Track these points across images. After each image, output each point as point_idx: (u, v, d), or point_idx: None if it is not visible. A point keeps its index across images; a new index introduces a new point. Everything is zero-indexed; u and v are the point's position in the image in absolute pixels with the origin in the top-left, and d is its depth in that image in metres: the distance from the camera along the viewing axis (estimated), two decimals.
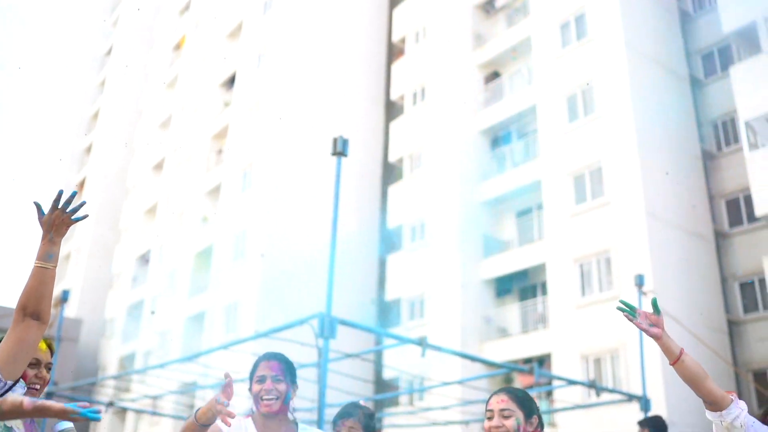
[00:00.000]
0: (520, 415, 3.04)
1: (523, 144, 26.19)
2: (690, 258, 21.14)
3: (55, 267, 2.56)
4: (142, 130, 47.76)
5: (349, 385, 11.47)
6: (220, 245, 32.61)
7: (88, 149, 54.09)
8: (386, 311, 28.55)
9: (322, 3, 33.23)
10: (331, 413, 14.54)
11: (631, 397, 9.32)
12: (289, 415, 3.33)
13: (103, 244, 47.12)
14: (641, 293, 9.12)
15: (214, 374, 9.21)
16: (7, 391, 2.46)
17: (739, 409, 2.74)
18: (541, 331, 22.67)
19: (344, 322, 5.69)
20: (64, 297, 10.13)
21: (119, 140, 49.59)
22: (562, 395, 16.10)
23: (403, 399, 24.25)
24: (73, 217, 2.57)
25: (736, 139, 22.88)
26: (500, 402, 3.06)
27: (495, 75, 28.43)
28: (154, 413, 13.91)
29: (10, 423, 2.51)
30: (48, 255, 2.53)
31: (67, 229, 2.59)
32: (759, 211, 18.83)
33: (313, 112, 31.34)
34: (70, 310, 43.69)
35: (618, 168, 21.37)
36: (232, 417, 2.80)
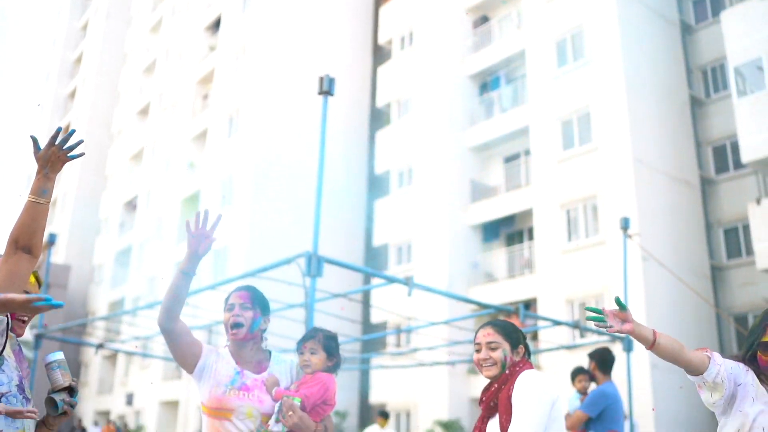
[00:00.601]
0: (506, 346, 3.14)
1: (512, 89, 26.06)
2: (675, 204, 21.29)
3: (49, 202, 2.55)
4: (126, 75, 47.14)
5: (337, 326, 11.60)
6: (208, 191, 32.53)
7: (72, 94, 53.41)
8: (374, 256, 28.73)
9: None
10: None
11: (614, 338, 9.47)
12: (263, 345, 3.43)
13: (90, 190, 46.90)
14: (626, 236, 9.19)
15: (203, 315, 9.27)
16: None
17: (717, 366, 2.79)
18: (527, 276, 22.91)
19: (331, 261, 5.73)
20: (51, 240, 10.08)
21: (103, 85, 48.97)
22: (547, 336, 16.35)
23: (390, 341, 24.58)
24: (69, 155, 2.56)
25: (725, 86, 22.85)
26: (487, 335, 3.16)
27: (484, 19, 28.11)
28: (144, 355, 14.04)
29: (4, 353, 2.52)
30: (42, 190, 2.53)
31: (62, 166, 2.59)
32: (746, 157, 18.91)
33: (299, 56, 30.98)
34: (58, 257, 43.71)
35: (606, 113, 21.34)
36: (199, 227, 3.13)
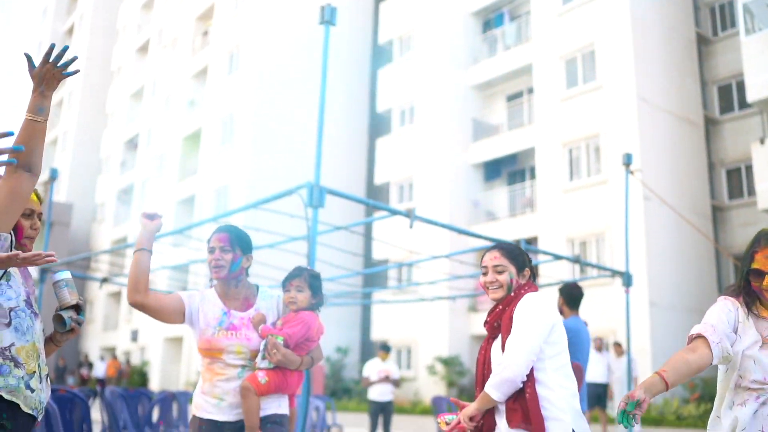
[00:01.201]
0: (512, 269, 3.18)
1: (515, 26, 25.67)
2: (678, 143, 21.19)
3: (46, 120, 2.55)
4: (124, 12, 46.40)
5: (339, 260, 11.70)
6: (208, 129, 32.37)
7: (70, 31, 52.64)
8: (375, 195, 28.75)
9: None
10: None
11: (614, 273, 9.51)
12: (248, 281, 3.56)
13: (90, 128, 46.66)
14: (628, 172, 9.15)
15: (205, 248, 9.28)
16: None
17: (717, 344, 2.75)
18: (528, 215, 22.96)
19: (333, 192, 5.72)
20: (53, 175, 10.04)
21: (101, 22, 48.24)
22: (548, 272, 16.49)
23: (392, 276, 24.73)
24: (64, 72, 2.54)
25: (733, 23, 22.49)
26: (493, 258, 3.20)
27: None
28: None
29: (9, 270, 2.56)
30: (39, 108, 2.51)
31: (58, 83, 2.57)
32: (751, 96, 18.72)
33: None
34: (60, 195, 43.77)
35: (611, 51, 21.07)
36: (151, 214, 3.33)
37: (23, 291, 2.62)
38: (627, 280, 9.27)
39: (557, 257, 8.90)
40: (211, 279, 3.53)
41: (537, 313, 3.01)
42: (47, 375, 2.66)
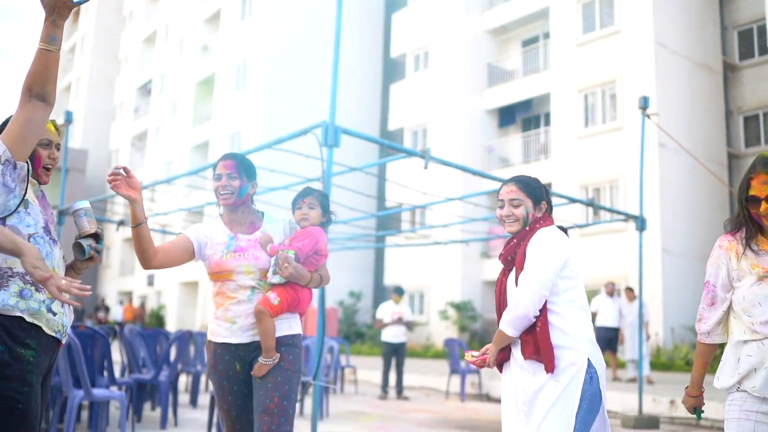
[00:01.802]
0: (529, 203, 3.20)
1: None
2: (696, 90, 20.92)
3: (59, 51, 2.56)
4: None
5: (353, 202, 11.75)
6: (222, 74, 32.21)
7: None
8: (389, 140, 28.63)
9: None
10: (335, 228, 14.90)
11: (628, 217, 9.52)
12: (253, 207, 3.62)
13: (103, 74, 46.51)
14: (645, 116, 9.08)
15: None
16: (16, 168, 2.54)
17: (717, 316, 2.90)
18: (542, 162, 22.86)
19: (348, 132, 5.73)
20: (68, 118, 10.08)
21: None
22: (561, 216, 16.48)
23: (405, 218, 24.78)
24: (74, 0, 2.54)
25: None
26: (510, 192, 3.22)
27: None
28: (164, 232, 14.32)
29: (27, 197, 2.60)
30: (51, 38, 2.52)
31: (69, 12, 2.57)
32: None
33: None
34: (75, 142, 43.91)
35: None
36: (118, 174, 3.13)
37: (42, 218, 2.68)
38: (641, 224, 9.29)
39: (572, 200, 8.91)
40: (219, 206, 3.58)
41: (549, 249, 3.04)
42: None
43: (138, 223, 3.22)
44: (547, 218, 3.23)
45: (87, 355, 6.40)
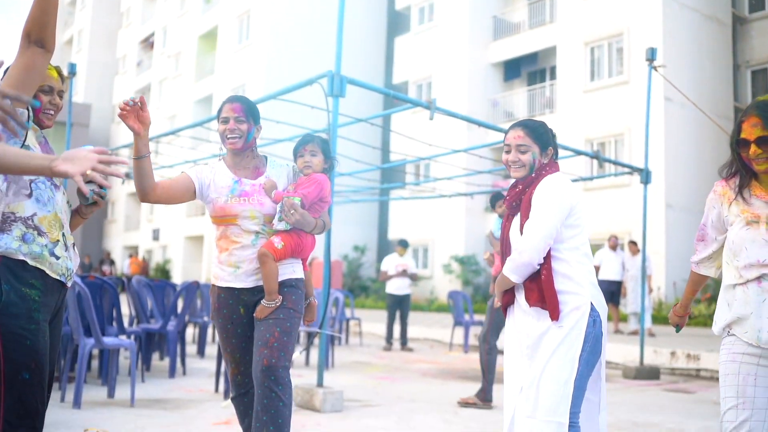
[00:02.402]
0: (535, 149, 3.19)
1: None
2: (704, 43, 20.68)
3: None
4: None
5: (358, 153, 11.75)
6: (225, 27, 31.90)
7: None
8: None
9: None
10: (340, 181, 14.84)
11: (633, 170, 9.52)
12: (256, 151, 3.62)
13: (105, 28, 46.04)
14: (651, 67, 9.01)
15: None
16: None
17: (709, 261, 3.09)
18: (547, 116, 22.73)
19: (353, 82, 5.71)
20: (72, 70, 10.03)
21: None
22: (565, 168, 16.45)
23: (410, 171, 24.77)
24: None
25: None
26: (517, 138, 3.20)
27: None
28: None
29: (27, 142, 2.61)
30: None
31: None
32: None
33: None
34: (78, 96, 43.69)
35: None
36: (127, 104, 3.09)
37: None
38: (646, 176, 9.30)
39: (577, 152, 8.91)
40: (221, 149, 3.58)
41: (554, 197, 3.05)
42: (73, 243, 2.76)
43: (139, 156, 3.18)
44: (553, 164, 3.23)
45: (96, 305, 6.49)
